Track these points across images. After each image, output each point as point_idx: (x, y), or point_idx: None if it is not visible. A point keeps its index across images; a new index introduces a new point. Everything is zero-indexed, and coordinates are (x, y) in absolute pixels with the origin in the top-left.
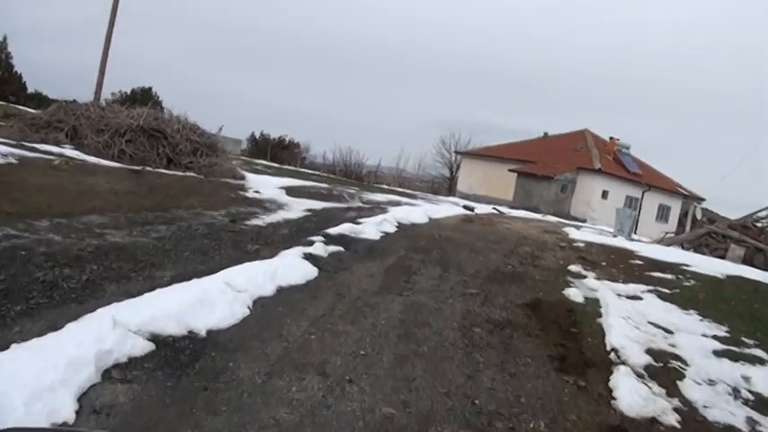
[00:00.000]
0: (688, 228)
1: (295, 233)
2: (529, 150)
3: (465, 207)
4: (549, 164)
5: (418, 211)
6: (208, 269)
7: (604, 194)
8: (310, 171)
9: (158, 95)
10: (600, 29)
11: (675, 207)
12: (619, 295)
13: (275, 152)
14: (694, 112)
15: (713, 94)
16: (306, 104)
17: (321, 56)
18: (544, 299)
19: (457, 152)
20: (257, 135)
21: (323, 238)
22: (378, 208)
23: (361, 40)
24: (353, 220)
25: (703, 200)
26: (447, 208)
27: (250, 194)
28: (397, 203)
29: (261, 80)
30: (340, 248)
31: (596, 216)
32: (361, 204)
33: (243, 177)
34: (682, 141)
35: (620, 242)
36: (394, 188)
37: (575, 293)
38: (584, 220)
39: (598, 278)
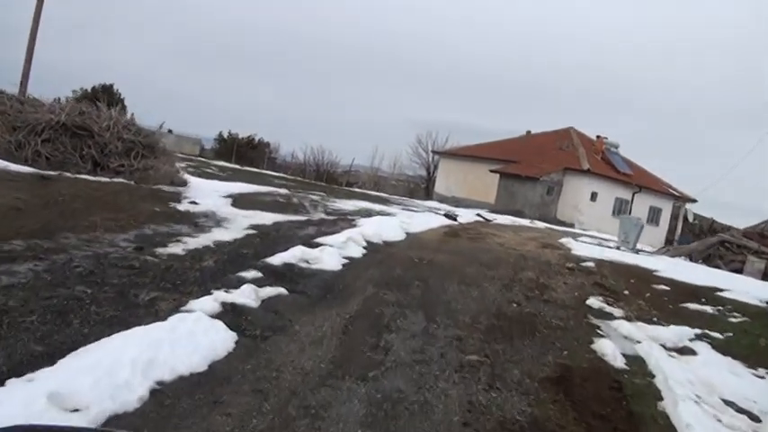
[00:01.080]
0: (678, 230)
1: (222, 266)
2: (511, 149)
3: (447, 216)
4: (534, 164)
5: (392, 224)
6: (46, 353)
7: (593, 197)
8: (275, 173)
9: (120, 93)
10: (580, 28)
11: (666, 209)
12: (665, 348)
13: (243, 152)
14: (678, 113)
15: (697, 95)
16: (279, 104)
17: (295, 55)
18: (574, 366)
19: (434, 152)
20: (225, 135)
21: (259, 274)
22: (344, 220)
23: (335, 40)
24: (310, 241)
25: (695, 201)
26: (426, 218)
27: (183, 206)
28: (368, 213)
29: (234, 80)
30: (281, 290)
31: (585, 220)
32: (324, 216)
33: (184, 183)
34: (666, 142)
35: (630, 257)
36: (367, 192)
37: (610, 351)
38: (571, 225)
39: (628, 318)
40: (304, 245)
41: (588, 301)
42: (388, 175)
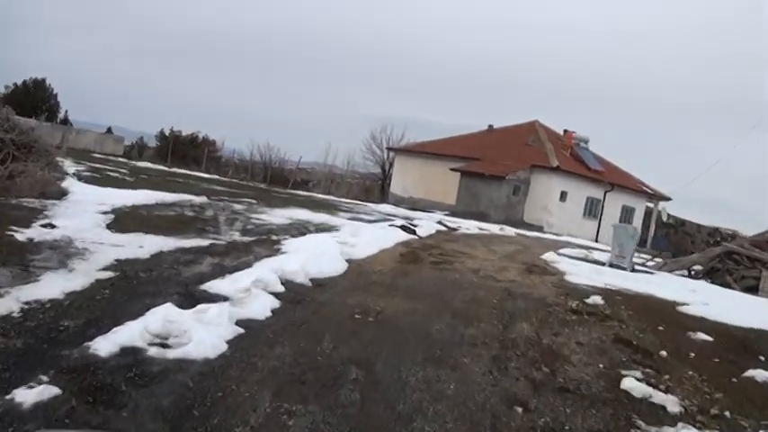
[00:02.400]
0: (652, 230)
1: None
2: (472, 146)
3: (404, 228)
4: (498, 161)
5: (330, 248)
6: None
7: (563, 196)
8: (207, 175)
9: (53, 89)
10: (541, 21)
11: (640, 208)
12: None
13: (186, 151)
14: (649, 109)
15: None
16: (232, 102)
17: (247, 53)
18: None
19: (389, 149)
20: (167, 132)
21: (52, 391)
22: (265, 243)
23: (290, 36)
24: (193, 290)
25: (669, 199)
26: (377, 233)
27: (30, 232)
28: (303, 229)
29: (186, 78)
30: None
31: (554, 222)
32: (238, 238)
33: (60, 194)
34: (635, 138)
35: (636, 281)
36: (313, 195)
37: None
38: (540, 228)
39: (689, 413)
40: (182, 297)
41: (623, 384)
42: (343, 173)
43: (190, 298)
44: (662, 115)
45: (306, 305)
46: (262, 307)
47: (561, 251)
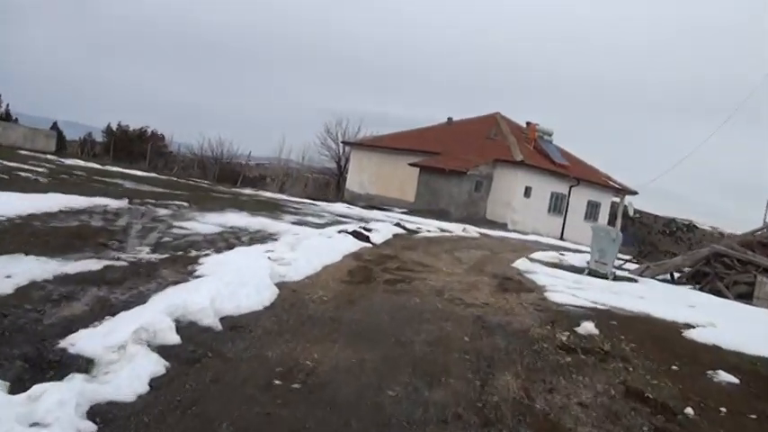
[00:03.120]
0: (618, 224)
1: None
2: (432, 140)
3: (356, 235)
4: (459, 155)
5: (258, 269)
6: None
7: (527, 192)
8: (143, 173)
9: None
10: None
11: (605, 203)
12: None
13: (133, 147)
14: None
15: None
16: (187, 96)
17: (205, 46)
18: None
19: (344, 143)
20: (114, 127)
21: None
22: (178, 262)
23: (246, 29)
24: (46, 350)
25: (635, 193)
26: (323, 243)
27: None
28: (235, 238)
29: (138, 71)
30: None
31: (519, 219)
32: (146, 256)
33: None
34: (599, 131)
35: (627, 296)
36: (260, 193)
37: None
38: (503, 225)
39: None
40: (26, 364)
41: None
42: (298, 169)
43: (36, 366)
44: (625, 110)
45: (205, 367)
46: (136, 377)
47: (533, 256)
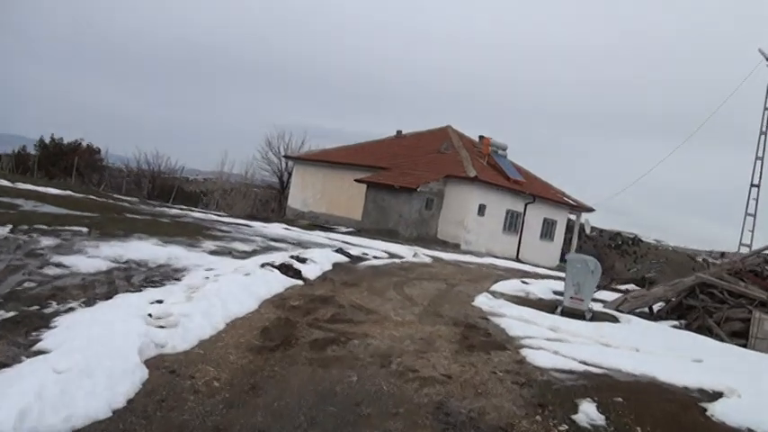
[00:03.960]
0: (574, 245)
1: None
2: (380, 154)
3: (284, 269)
4: (409, 171)
5: (125, 339)
6: None
7: (481, 210)
8: (56, 191)
9: None
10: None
11: (561, 221)
12: None
13: (67, 160)
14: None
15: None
16: (121, 108)
17: (138, 59)
18: None
19: (286, 157)
20: (47, 140)
21: None
22: (18, 328)
23: (188, 46)
24: None
25: (592, 210)
26: (238, 284)
27: None
28: (125, 280)
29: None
30: None
31: (472, 239)
32: None
33: None
34: (552, 147)
35: (615, 352)
36: (187, 214)
37: None
38: (456, 246)
39: None
40: None
41: None
42: (240, 184)
43: None
44: (574, 129)
45: None
46: None
47: (495, 288)
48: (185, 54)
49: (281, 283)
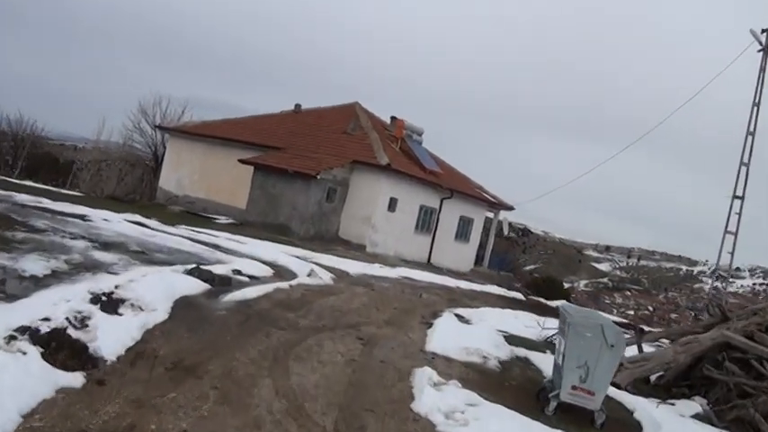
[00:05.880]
0: (490, 246)
1: None
2: (274, 131)
3: (52, 349)
4: (308, 153)
5: None
6: None
7: (392, 204)
8: None
9: None
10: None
11: (479, 220)
12: None
13: None
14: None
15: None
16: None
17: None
18: None
19: (159, 127)
20: None
21: None
22: None
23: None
24: None
25: (512, 209)
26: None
27: None
28: None
29: None
30: None
31: (380, 240)
32: None
33: None
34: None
35: None
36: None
37: None
38: (361, 247)
39: None
40: None
41: None
42: (116, 155)
43: None
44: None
45: None
46: None
47: (434, 344)
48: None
49: (23, 394)
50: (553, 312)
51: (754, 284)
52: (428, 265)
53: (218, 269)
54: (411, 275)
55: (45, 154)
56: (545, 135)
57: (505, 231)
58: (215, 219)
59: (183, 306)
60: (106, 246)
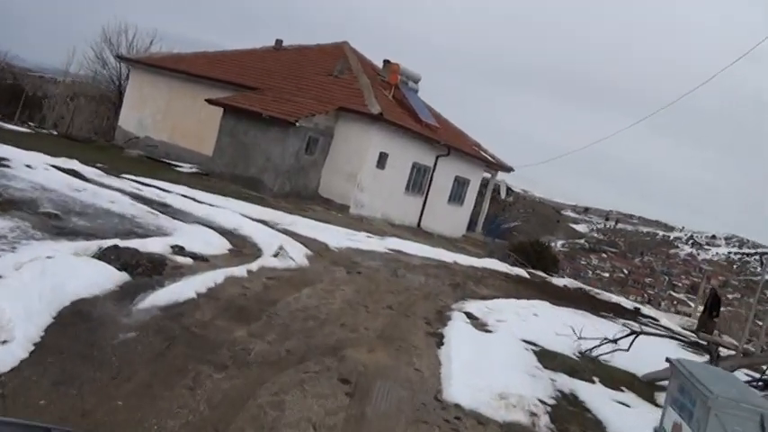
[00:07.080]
0: (485, 211)
1: None
2: (249, 69)
3: None
4: (287, 97)
5: None
6: None
7: (382, 160)
8: None
9: None
10: None
11: (475, 181)
12: None
13: None
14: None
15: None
16: None
17: None
18: None
19: (120, 57)
20: None
21: None
22: None
23: None
24: None
25: (511, 170)
26: None
27: None
28: None
29: None
30: None
31: (365, 200)
32: None
33: None
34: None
35: None
36: None
37: None
38: (344, 207)
39: None
40: None
41: None
42: (85, 89)
43: None
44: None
45: None
46: None
47: (457, 381)
48: None
49: None
50: (567, 296)
51: (729, 253)
52: (418, 230)
53: (150, 245)
54: (402, 248)
55: (11, 86)
56: (534, 95)
57: (503, 195)
58: (177, 167)
59: (68, 323)
60: (7, 205)
